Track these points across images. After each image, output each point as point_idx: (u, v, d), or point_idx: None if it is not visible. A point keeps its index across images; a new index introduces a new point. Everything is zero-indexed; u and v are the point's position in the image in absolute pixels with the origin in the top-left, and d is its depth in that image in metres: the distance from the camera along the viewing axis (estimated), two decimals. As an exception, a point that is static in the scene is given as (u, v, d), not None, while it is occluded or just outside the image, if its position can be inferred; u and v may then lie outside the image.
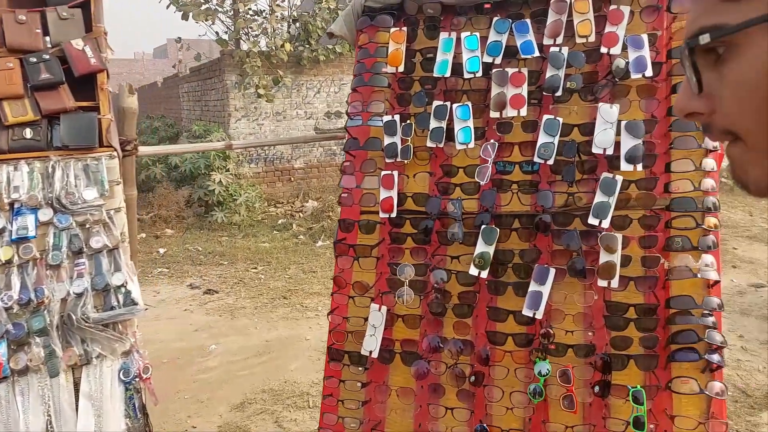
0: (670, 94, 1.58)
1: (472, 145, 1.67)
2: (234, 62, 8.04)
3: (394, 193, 1.73)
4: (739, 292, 4.63)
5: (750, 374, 3.24)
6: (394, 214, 1.73)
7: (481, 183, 1.66)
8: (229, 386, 3.69)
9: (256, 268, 6.16)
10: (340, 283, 1.82)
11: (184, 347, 4.31)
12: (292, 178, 9.04)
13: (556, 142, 1.59)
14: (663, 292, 1.49)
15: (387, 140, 1.73)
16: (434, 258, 1.71)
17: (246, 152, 8.53)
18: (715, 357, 1.39)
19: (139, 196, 8.93)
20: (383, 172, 1.74)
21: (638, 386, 1.42)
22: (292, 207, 8.57)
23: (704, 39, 0.49)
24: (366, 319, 1.75)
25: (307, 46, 8.45)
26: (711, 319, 1.42)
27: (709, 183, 1.49)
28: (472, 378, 1.60)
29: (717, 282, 1.44)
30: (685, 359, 1.41)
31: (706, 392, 1.38)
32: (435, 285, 1.66)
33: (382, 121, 1.74)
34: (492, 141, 1.66)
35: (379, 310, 1.73)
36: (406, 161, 1.72)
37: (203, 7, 8.07)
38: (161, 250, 6.82)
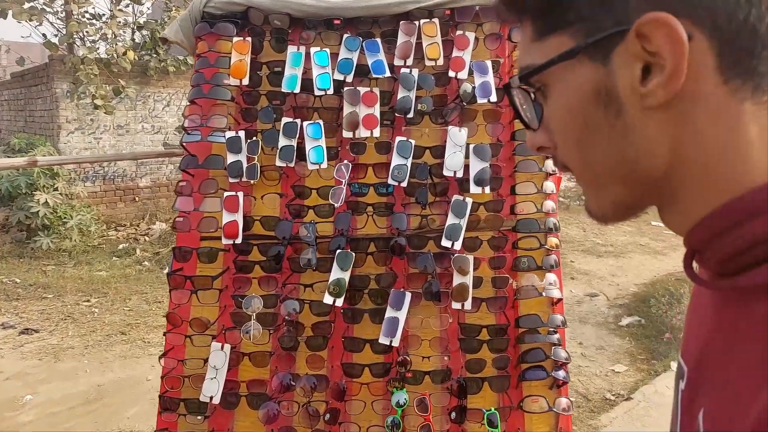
0: (514, 119, 1.64)
1: (325, 165, 1.58)
2: (66, 69, 7.14)
3: (239, 217, 1.56)
4: (578, 301, 5.14)
5: (589, 379, 3.56)
6: (239, 240, 1.56)
7: (336, 205, 1.57)
8: (49, 444, 3.13)
9: (89, 300, 5.42)
10: (175, 321, 1.59)
11: (-11, 402, 3.59)
12: (137, 198, 8.23)
13: (409, 164, 1.56)
14: (512, 312, 1.51)
15: (230, 158, 1.57)
16: (285, 287, 1.57)
17: (80, 168, 7.59)
18: (561, 373, 1.44)
19: (-60, 220, 7.43)
20: (226, 194, 1.57)
21: (492, 409, 1.42)
22: (136, 230, 7.78)
23: (515, 81, 0.49)
24: (206, 361, 1.55)
25: (155, 55, 7.82)
26: (556, 336, 1.47)
27: (549, 205, 1.56)
28: (327, 416, 1.48)
29: (560, 300, 1.50)
30: (534, 378, 1.44)
31: (554, 409, 1.42)
32: (286, 317, 1.52)
33: (224, 136, 1.57)
34: (346, 162, 1.58)
35: (222, 349, 1.54)
36: (252, 181, 1.57)
37: (27, 5, 7.07)
38: (-36, 285, 5.73)
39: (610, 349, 4.09)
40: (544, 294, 1.48)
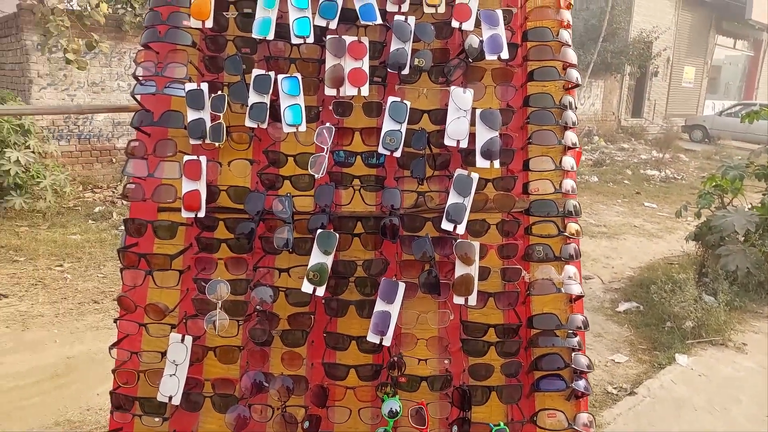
0: (527, 81, 1.38)
1: (303, 127, 1.32)
2: (36, 19, 6.68)
3: (201, 186, 1.31)
4: (571, 285, 4.94)
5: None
6: (202, 214, 1.32)
7: (317, 176, 1.32)
8: (11, 420, 2.93)
9: (61, 265, 5.16)
10: (128, 306, 1.36)
11: (-53, 372, 3.36)
12: (114, 160, 7.88)
13: (403, 130, 1.31)
14: (523, 309, 1.30)
15: (191, 115, 1.31)
16: (257, 272, 1.34)
17: (54, 127, 7.22)
18: (582, 384, 1.23)
19: None
20: (186, 158, 1.31)
21: (501, 423, 1.21)
22: (113, 193, 7.46)
23: None
24: (164, 354, 1.33)
25: (130, 9, 7.37)
26: (576, 339, 1.26)
27: (569, 184, 1.33)
28: (306, 423, 1.27)
29: (580, 297, 1.28)
30: (550, 388, 1.23)
31: (575, 427, 1.22)
32: (258, 306, 1.30)
33: (184, 89, 1.31)
34: (328, 125, 1.33)
35: (183, 341, 1.32)
36: (218, 144, 1.32)
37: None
38: (-69, 245, 5.43)
39: (608, 336, 3.92)
40: (562, 290, 1.26)
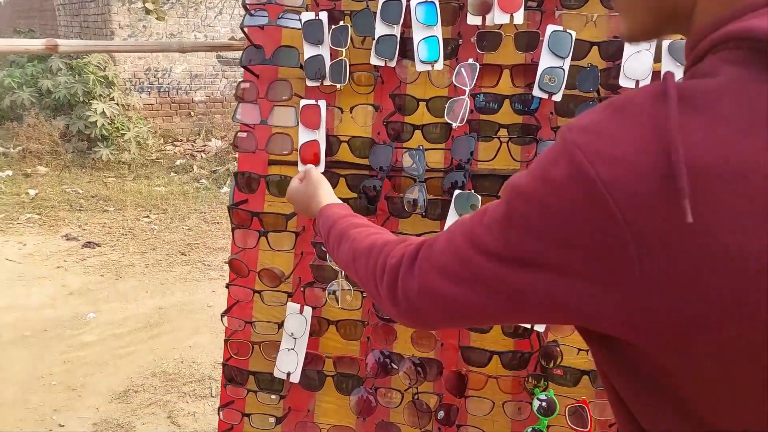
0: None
1: (440, 66, 1.10)
2: (117, -32, 6.73)
3: (320, 136, 1.13)
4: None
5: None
6: (321, 168, 1.14)
7: (454, 125, 1.10)
8: (110, 369, 3.02)
9: (148, 216, 5.30)
10: (240, 270, 1.22)
11: (53, 316, 3.52)
12: (192, 113, 7.97)
13: (566, 68, 1.06)
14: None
15: (308, 51, 1.11)
16: (382, 237, 1.15)
17: (135, 79, 7.35)
18: None
19: (3, 125, 7.54)
20: (303, 102, 1.13)
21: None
22: (193, 146, 7.59)
23: None
24: (281, 325, 1.19)
25: (207, -44, 7.25)
26: None
27: None
28: (441, 414, 1.10)
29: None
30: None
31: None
32: (383, 277, 1.12)
33: (300, 20, 1.11)
34: (471, 61, 1.09)
35: (301, 312, 1.17)
36: (338, 86, 1.12)
37: None
38: (32, 192, 5.74)
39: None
40: None
